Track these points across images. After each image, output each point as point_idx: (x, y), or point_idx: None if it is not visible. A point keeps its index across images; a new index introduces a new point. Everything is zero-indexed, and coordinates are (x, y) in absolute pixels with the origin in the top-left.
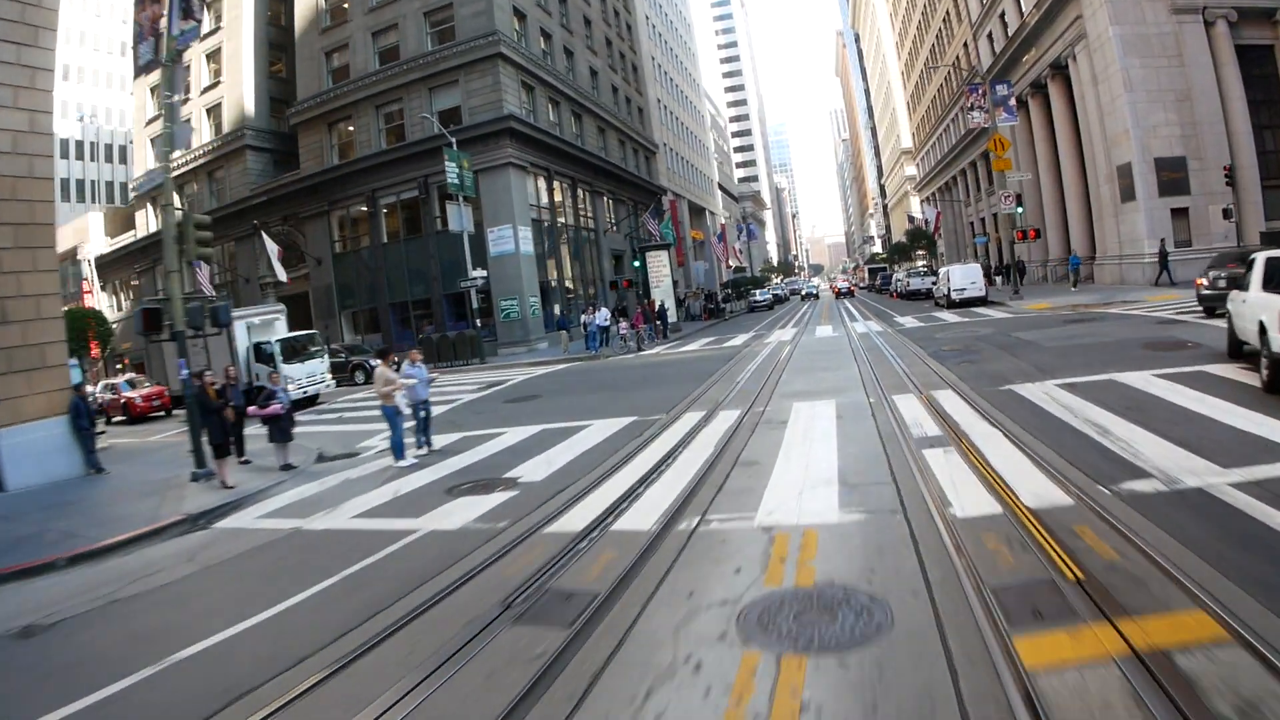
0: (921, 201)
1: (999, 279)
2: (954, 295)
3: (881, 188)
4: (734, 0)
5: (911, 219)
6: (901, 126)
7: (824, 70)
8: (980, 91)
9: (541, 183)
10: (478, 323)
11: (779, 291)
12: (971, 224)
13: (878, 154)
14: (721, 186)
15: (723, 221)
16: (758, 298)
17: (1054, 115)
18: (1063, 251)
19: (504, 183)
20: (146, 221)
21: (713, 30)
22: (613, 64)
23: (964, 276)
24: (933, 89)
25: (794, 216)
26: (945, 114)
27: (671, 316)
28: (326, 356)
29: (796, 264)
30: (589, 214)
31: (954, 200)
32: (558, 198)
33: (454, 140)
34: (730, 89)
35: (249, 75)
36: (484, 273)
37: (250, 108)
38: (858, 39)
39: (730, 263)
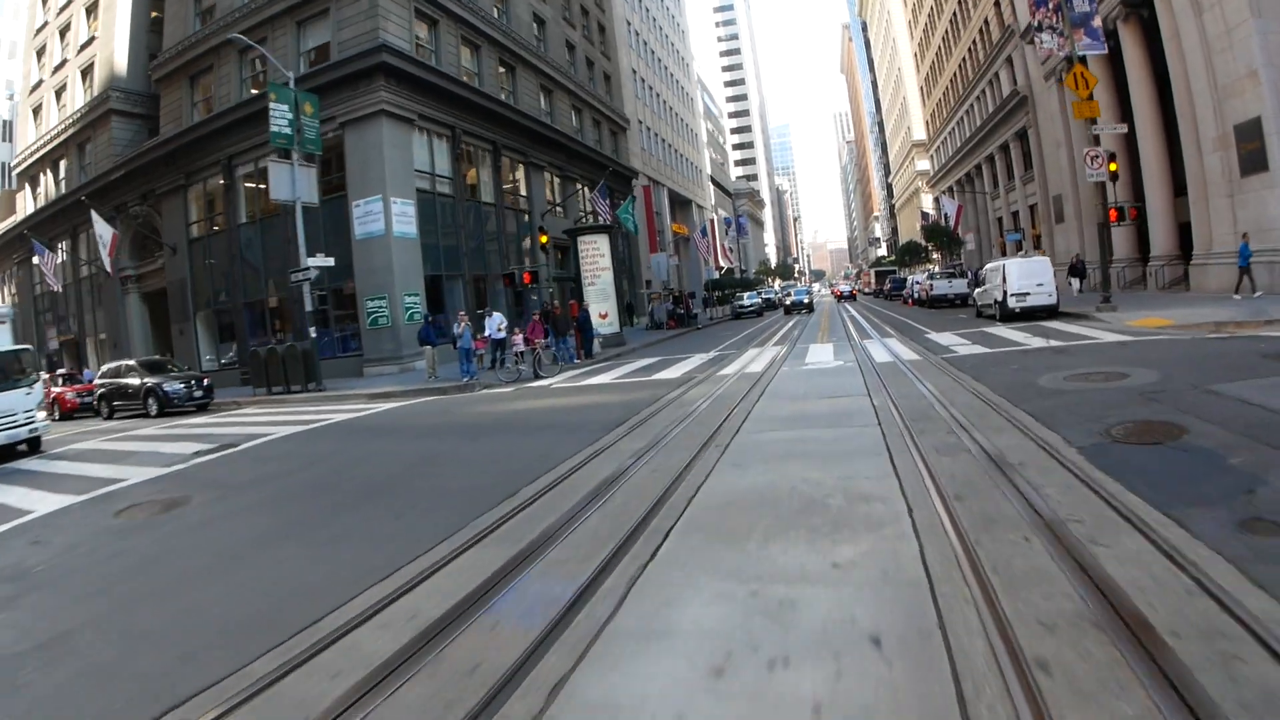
0: (939, 195)
1: (1076, 281)
2: (1012, 303)
3: (888, 187)
4: None
5: (926, 215)
6: (913, 117)
7: (829, 77)
8: (1050, 5)
9: (442, 144)
10: (313, 332)
11: (770, 295)
12: (1000, 219)
13: (885, 151)
14: (714, 180)
15: (712, 217)
16: (745, 302)
17: (1126, 68)
18: (1133, 250)
19: (374, 138)
20: (25, 203)
21: (713, 21)
22: (569, 17)
23: (1027, 276)
24: (953, 64)
25: (795, 220)
26: (969, 91)
27: (611, 324)
28: (39, 384)
29: (797, 268)
30: (522, 191)
31: (976, 193)
32: (471, 167)
33: (292, 78)
34: (730, 83)
35: (123, 27)
36: (327, 261)
37: (122, 65)
38: (865, 28)
39: (721, 263)
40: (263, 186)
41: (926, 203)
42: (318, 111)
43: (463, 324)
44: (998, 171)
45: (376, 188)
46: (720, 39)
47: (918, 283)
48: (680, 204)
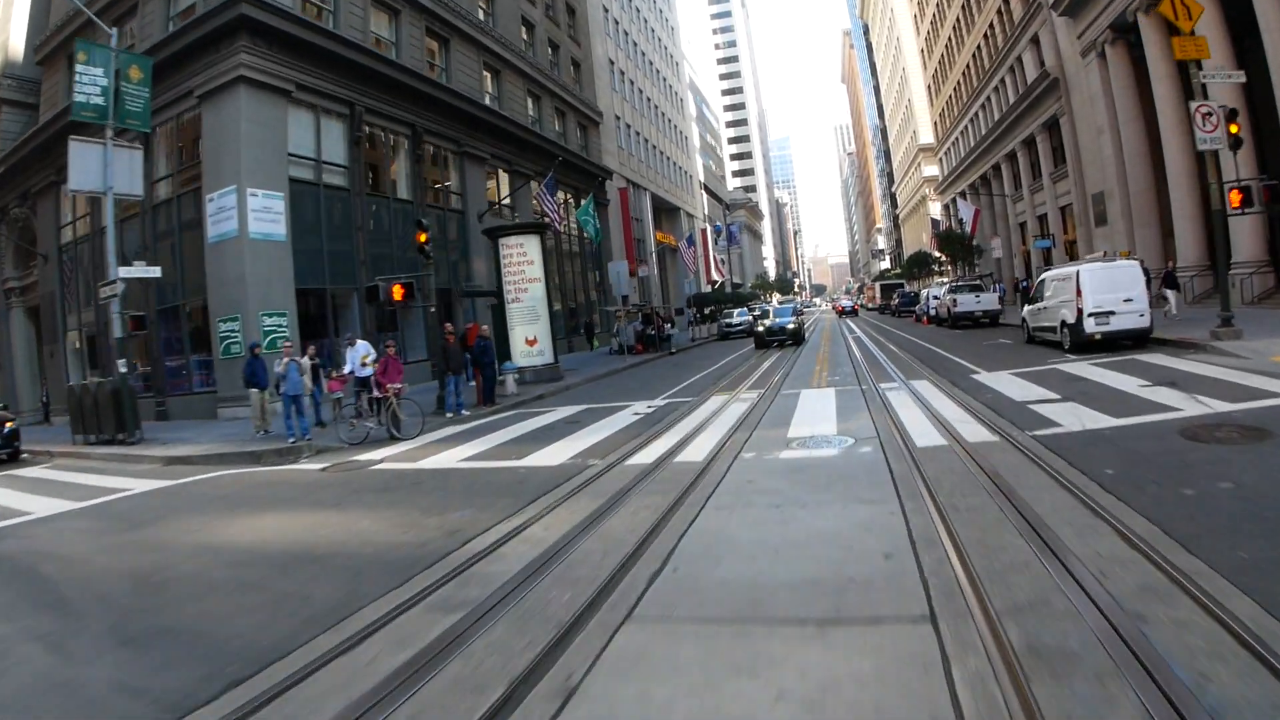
0: (955, 198)
1: (1172, 295)
2: (1090, 326)
3: (892, 197)
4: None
5: (936, 223)
6: (919, 120)
7: (829, 89)
8: None
9: (335, 125)
10: (122, 366)
11: (765, 311)
12: (1023, 224)
13: (888, 159)
14: (708, 189)
15: (703, 227)
16: (733, 321)
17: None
18: (1201, 255)
19: (230, 113)
20: None
21: (710, 29)
22: None
23: (1110, 288)
24: (966, 55)
25: (796, 234)
26: (984, 82)
27: (542, 352)
28: None
29: (797, 282)
30: (454, 188)
31: (994, 196)
32: (386, 156)
33: (114, 35)
34: (728, 91)
35: (22, 7)
36: (149, 271)
37: (18, 50)
38: (866, 31)
39: (713, 276)
40: None
41: (935, 210)
42: (149, 77)
43: (286, 359)
44: (1020, 171)
45: (231, 176)
46: (718, 45)
47: (935, 297)
48: (667, 211)
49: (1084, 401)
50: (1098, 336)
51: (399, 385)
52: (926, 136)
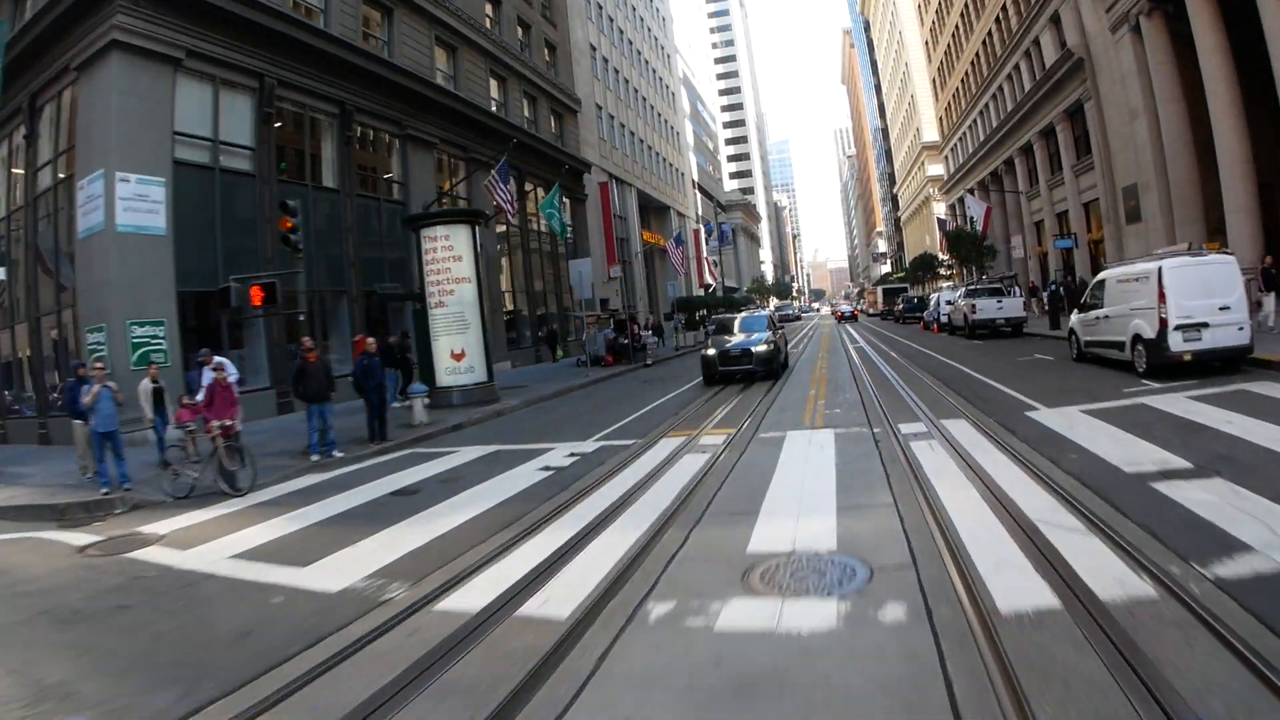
0: (964, 194)
1: (1270, 299)
2: (1177, 342)
3: (894, 199)
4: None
5: (943, 223)
6: (923, 117)
7: (829, 93)
8: None
9: (239, 100)
10: None
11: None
12: (1039, 222)
13: (889, 159)
14: (703, 189)
15: (695, 228)
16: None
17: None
18: (1253, 256)
19: (101, 85)
20: None
21: (707, 28)
22: None
23: (1202, 291)
24: (975, 43)
25: (795, 238)
26: (995, 70)
27: (471, 368)
28: None
29: (795, 286)
30: (395, 176)
31: (1005, 193)
32: (301, 136)
33: None
34: (726, 91)
35: None
36: None
37: None
38: (867, 28)
39: (707, 279)
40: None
41: (940, 210)
42: (2, 44)
43: (97, 385)
44: (1036, 164)
45: (101, 158)
46: (715, 45)
47: (948, 302)
48: (655, 210)
49: (1243, 479)
50: (1187, 357)
51: (229, 422)
52: (931, 134)
